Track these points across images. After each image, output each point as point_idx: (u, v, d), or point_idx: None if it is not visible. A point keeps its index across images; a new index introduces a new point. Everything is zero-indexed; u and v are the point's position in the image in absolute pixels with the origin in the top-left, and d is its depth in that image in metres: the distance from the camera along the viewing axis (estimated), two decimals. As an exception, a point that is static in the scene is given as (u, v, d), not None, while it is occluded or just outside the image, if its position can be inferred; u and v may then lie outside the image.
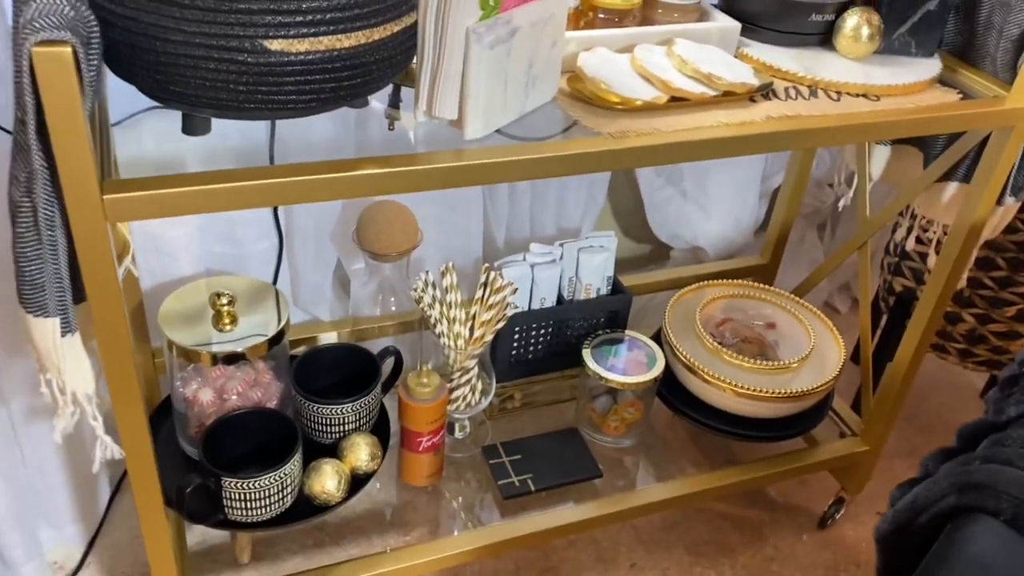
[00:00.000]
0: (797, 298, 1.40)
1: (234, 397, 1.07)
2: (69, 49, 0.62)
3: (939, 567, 0.65)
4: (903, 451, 1.55)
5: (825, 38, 1.05)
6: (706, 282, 1.41)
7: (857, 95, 0.99)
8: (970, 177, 1.13)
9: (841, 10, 1.03)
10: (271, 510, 1.02)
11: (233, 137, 0.90)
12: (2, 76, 0.91)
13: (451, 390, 1.20)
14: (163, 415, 1.14)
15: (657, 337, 1.34)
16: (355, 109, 0.86)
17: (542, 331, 1.33)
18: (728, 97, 0.94)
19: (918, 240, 1.36)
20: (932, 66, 1.05)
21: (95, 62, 0.67)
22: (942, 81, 1.05)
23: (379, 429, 1.16)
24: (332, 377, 1.15)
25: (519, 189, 1.42)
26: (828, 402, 1.34)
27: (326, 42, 0.69)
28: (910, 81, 1.01)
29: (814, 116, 0.94)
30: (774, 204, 1.57)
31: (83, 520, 1.27)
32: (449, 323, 1.17)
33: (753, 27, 1.04)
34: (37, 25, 0.62)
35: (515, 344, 1.32)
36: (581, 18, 1.00)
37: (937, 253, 1.18)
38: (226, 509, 1.01)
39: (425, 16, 0.76)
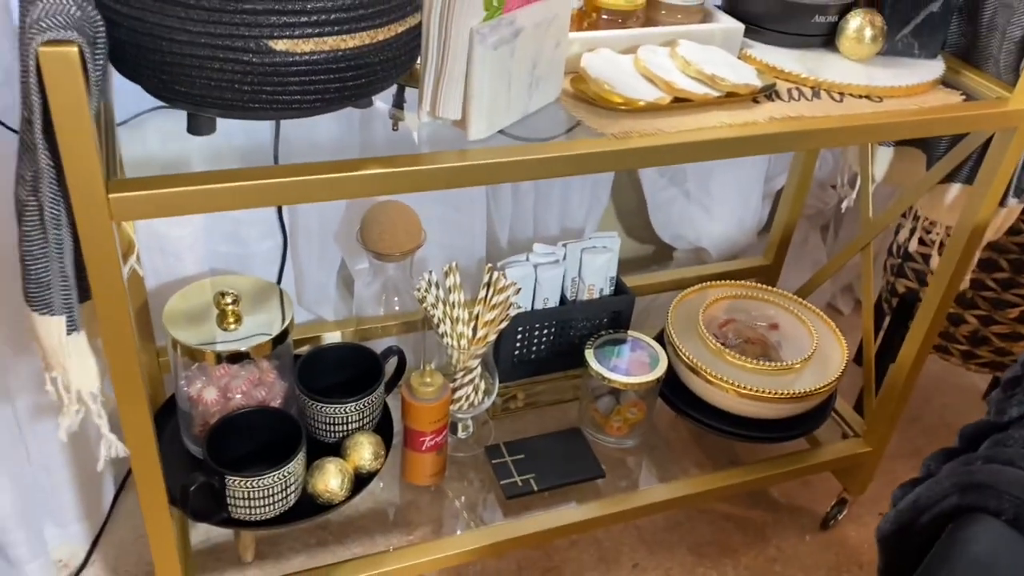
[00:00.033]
0: (800, 299, 1.40)
1: (238, 396, 1.07)
2: (75, 49, 0.62)
3: (940, 567, 0.65)
4: (906, 452, 1.55)
5: (828, 39, 1.05)
6: (709, 283, 1.41)
7: (860, 96, 0.99)
8: (973, 178, 1.13)
9: (844, 12, 1.03)
10: (275, 509, 1.02)
11: (238, 137, 0.91)
12: (8, 76, 0.91)
13: (454, 390, 1.20)
14: (167, 414, 1.15)
15: (660, 338, 1.34)
16: (359, 109, 0.86)
17: (545, 331, 1.33)
18: (731, 98, 0.94)
19: (921, 242, 1.36)
20: (935, 68, 1.05)
21: (101, 62, 0.68)
22: (945, 83, 1.05)
23: (382, 429, 1.17)
24: (336, 377, 1.16)
25: (522, 189, 1.42)
26: (831, 403, 1.34)
27: (331, 42, 0.70)
28: (913, 82, 1.01)
29: (817, 117, 0.94)
30: (777, 205, 1.57)
31: (87, 518, 1.27)
32: (452, 323, 1.17)
33: (756, 28, 1.04)
34: (44, 25, 0.62)
35: (518, 344, 1.33)
36: (584, 19, 1.00)
37: (940, 255, 1.18)
38: (230, 507, 1.01)
39: (429, 17, 0.77)
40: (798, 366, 1.27)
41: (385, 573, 1.10)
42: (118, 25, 0.68)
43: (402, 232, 1.19)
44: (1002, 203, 1.12)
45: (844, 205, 1.40)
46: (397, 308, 1.29)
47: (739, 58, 1.01)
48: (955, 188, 1.19)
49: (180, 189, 0.71)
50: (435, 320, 1.17)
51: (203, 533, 1.27)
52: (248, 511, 1.01)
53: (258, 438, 1.06)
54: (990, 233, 1.16)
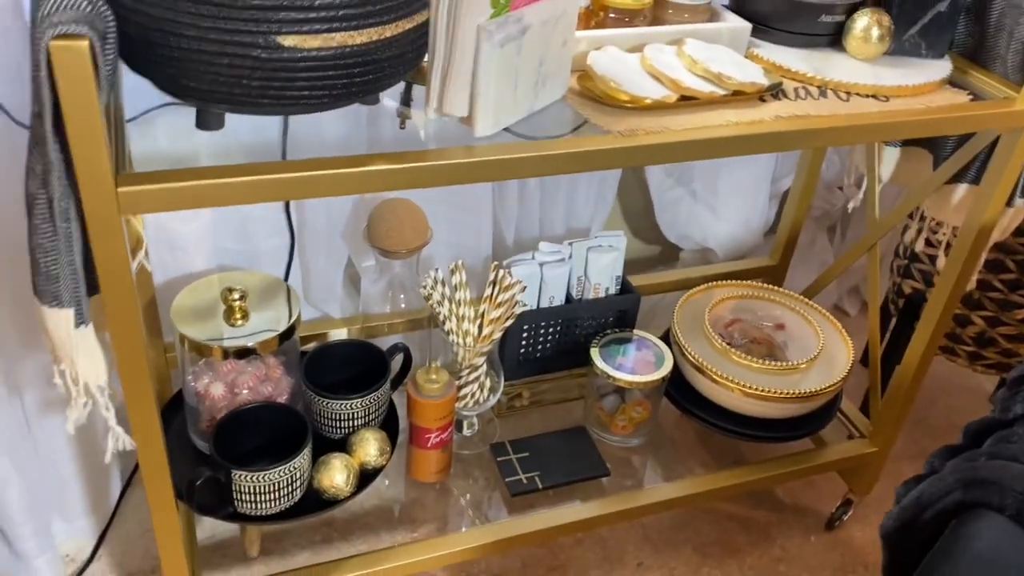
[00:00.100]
0: (806, 299, 1.40)
1: (245, 392, 1.08)
2: (86, 43, 0.63)
3: (943, 563, 0.65)
4: (911, 454, 1.55)
5: (835, 39, 1.05)
6: (715, 283, 1.42)
7: (867, 96, 0.99)
8: (980, 179, 1.13)
9: (851, 11, 1.03)
10: (280, 503, 1.03)
11: (246, 134, 0.91)
12: (19, 72, 0.92)
13: (459, 387, 1.21)
14: (175, 410, 1.15)
15: (666, 337, 1.35)
16: (367, 107, 0.86)
17: (551, 330, 1.34)
18: (738, 97, 0.94)
19: (927, 242, 1.36)
20: (942, 67, 1.05)
21: (111, 56, 0.68)
22: (952, 82, 1.05)
23: (388, 425, 1.17)
24: (342, 373, 1.16)
25: (529, 189, 1.42)
26: (836, 403, 1.34)
27: (338, 38, 0.70)
28: (920, 82, 1.01)
29: (823, 116, 0.94)
30: (784, 206, 1.57)
31: (94, 513, 1.28)
32: (458, 321, 1.17)
33: (763, 28, 1.04)
34: (55, 19, 0.63)
35: (524, 342, 1.33)
36: (592, 18, 1.00)
37: (946, 255, 1.18)
38: (236, 502, 1.02)
39: (437, 14, 0.77)
40: (804, 366, 1.27)
41: (390, 569, 1.10)
42: (128, 20, 0.69)
43: (409, 229, 1.19)
44: (1009, 203, 1.12)
45: (851, 206, 1.40)
46: (403, 306, 1.29)
47: (746, 57, 1.02)
48: (962, 188, 1.19)
49: (188, 183, 0.72)
50: (441, 318, 1.17)
51: (209, 529, 1.28)
52: (254, 506, 1.02)
53: (264, 434, 1.06)
54: (996, 233, 1.15)
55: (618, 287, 1.36)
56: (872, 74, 1.01)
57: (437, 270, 1.17)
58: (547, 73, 0.87)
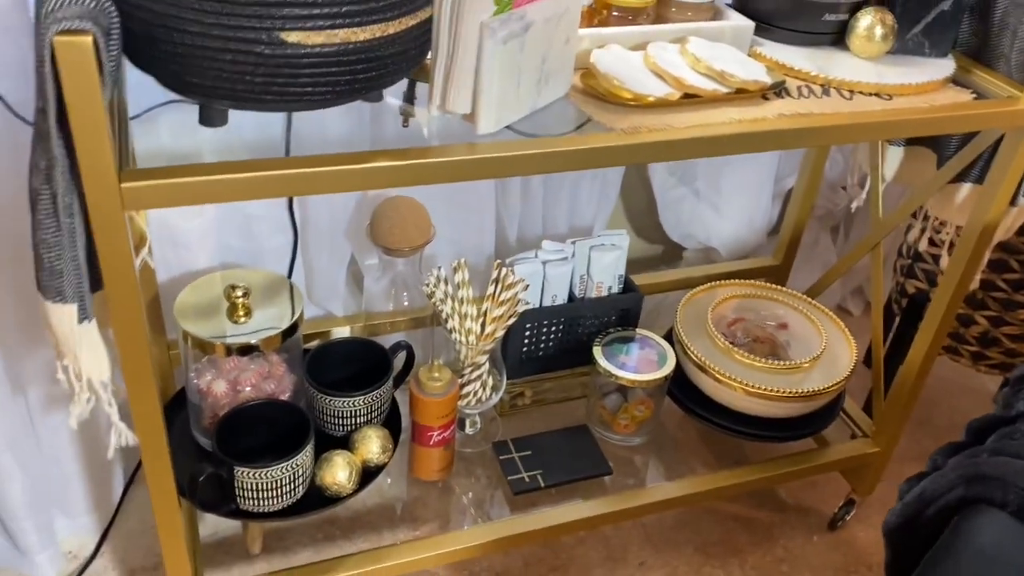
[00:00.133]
0: (809, 299, 1.40)
1: (248, 389, 1.08)
2: (90, 39, 0.63)
3: (945, 558, 0.65)
4: (914, 454, 1.55)
5: (838, 37, 1.05)
6: (718, 282, 1.41)
7: (870, 94, 0.99)
8: (983, 178, 1.13)
9: (855, 10, 1.03)
10: (282, 500, 1.03)
11: (249, 132, 0.92)
12: (23, 68, 0.92)
13: (462, 386, 1.21)
14: (177, 407, 1.16)
15: (669, 337, 1.35)
16: (370, 104, 0.87)
17: (553, 328, 1.34)
18: (741, 95, 0.94)
19: (931, 242, 1.36)
20: (946, 66, 1.05)
21: (115, 52, 0.68)
22: (956, 81, 1.05)
23: (391, 424, 1.17)
24: (344, 371, 1.16)
25: (532, 187, 1.42)
26: (839, 403, 1.34)
27: (342, 35, 0.70)
28: (923, 81, 1.01)
29: (826, 114, 0.94)
30: (787, 206, 1.57)
31: (97, 510, 1.28)
32: (461, 319, 1.18)
33: (767, 26, 1.04)
34: (59, 15, 0.63)
35: (526, 341, 1.33)
36: (595, 16, 1.01)
37: (950, 255, 1.17)
38: (238, 499, 1.02)
39: (440, 11, 0.77)
40: (807, 365, 1.27)
41: (392, 567, 1.10)
42: (132, 16, 0.69)
43: (412, 227, 1.19)
44: (1012, 203, 1.12)
45: (854, 205, 1.40)
46: (406, 304, 1.29)
47: (749, 56, 1.01)
48: (965, 188, 1.19)
49: (192, 179, 0.72)
50: (444, 316, 1.17)
51: (211, 526, 1.28)
52: (256, 502, 1.02)
53: (267, 431, 1.06)
54: (1000, 233, 1.15)
55: (621, 286, 1.37)
56: (875, 73, 1.01)
57: (440, 268, 1.17)
58: (550, 70, 0.87)
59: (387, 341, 1.20)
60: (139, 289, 0.76)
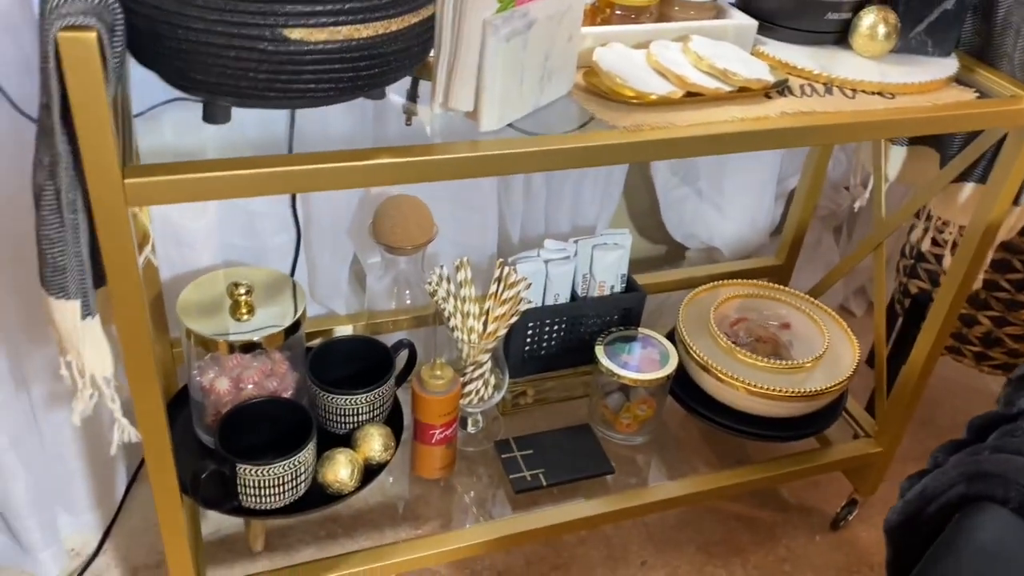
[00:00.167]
0: (812, 299, 1.40)
1: (250, 386, 1.08)
2: (94, 35, 0.63)
3: (946, 555, 0.65)
4: (917, 455, 1.55)
5: (841, 36, 1.05)
6: (721, 281, 1.41)
7: (872, 93, 0.99)
8: (986, 178, 1.13)
9: (857, 9, 1.03)
10: (285, 498, 1.03)
11: (253, 130, 0.92)
12: (28, 66, 0.92)
13: (464, 384, 1.21)
14: (180, 405, 1.16)
15: (671, 336, 1.34)
16: (373, 102, 0.87)
17: (555, 327, 1.34)
18: (743, 93, 0.94)
19: (934, 242, 1.36)
20: (949, 65, 1.05)
21: (119, 48, 0.69)
22: (959, 81, 1.05)
23: (393, 423, 1.17)
24: (347, 369, 1.16)
25: (534, 187, 1.42)
26: (842, 402, 1.34)
27: (344, 32, 0.70)
28: (926, 79, 1.01)
29: (829, 112, 0.94)
30: (790, 206, 1.57)
31: (100, 508, 1.28)
32: (463, 317, 1.18)
33: (769, 25, 1.04)
34: (63, 11, 0.63)
35: (528, 340, 1.33)
36: (598, 15, 1.01)
37: (953, 255, 1.17)
38: (240, 496, 1.02)
39: (443, 8, 0.77)
40: (809, 365, 1.27)
41: (393, 565, 1.11)
42: (136, 13, 0.69)
43: (414, 225, 1.19)
44: (1015, 202, 1.12)
45: (857, 205, 1.40)
46: (408, 302, 1.29)
47: (752, 55, 1.02)
48: (968, 187, 1.19)
49: (195, 175, 0.72)
50: (446, 314, 1.17)
51: (214, 524, 1.28)
52: (258, 500, 1.02)
53: (269, 428, 1.06)
54: (1003, 233, 1.15)
55: (623, 285, 1.37)
56: (878, 71, 1.01)
57: (442, 267, 1.17)
58: (553, 68, 0.87)
59: (389, 340, 1.20)
60: (142, 285, 0.76)
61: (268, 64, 0.70)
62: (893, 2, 1.03)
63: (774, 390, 1.22)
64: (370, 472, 1.09)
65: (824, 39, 1.05)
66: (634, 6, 0.99)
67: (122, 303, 0.76)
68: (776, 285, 1.43)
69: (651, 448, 1.37)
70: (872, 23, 1.01)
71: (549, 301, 1.32)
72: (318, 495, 1.06)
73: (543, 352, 1.36)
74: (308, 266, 1.33)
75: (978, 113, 1.00)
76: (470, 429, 1.32)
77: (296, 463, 1.01)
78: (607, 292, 1.35)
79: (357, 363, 1.17)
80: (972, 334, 1.43)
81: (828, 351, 1.30)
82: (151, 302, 1.13)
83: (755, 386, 1.22)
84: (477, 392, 1.23)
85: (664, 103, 0.90)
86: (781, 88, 0.97)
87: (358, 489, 1.07)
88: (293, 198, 1.24)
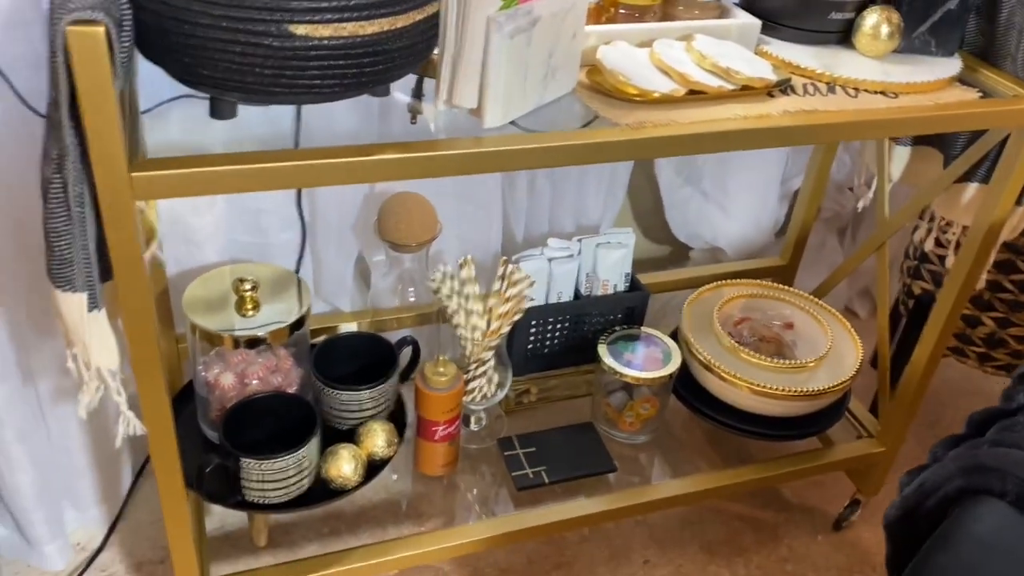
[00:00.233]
0: (815, 299, 1.40)
1: (255, 382, 1.09)
2: (102, 29, 0.64)
3: (943, 547, 0.65)
4: (920, 456, 1.52)
5: (844, 36, 1.05)
6: (724, 281, 1.42)
7: (875, 92, 0.99)
8: (989, 178, 1.13)
9: (861, 8, 1.03)
10: (288, 492, 1.04)
11: (259, 127, 0.93)
12: (37, 62, 0.93)
13: (467, 382, 1.21)
14: (185, 400, 1.16)
15: (675, 336, 1.35)
16: (379, 101, 0.87)
17: (559, 325, 1.34)
18: (746, 92, 0.94)
19: (937, 242, 1.36)
20: (952, 65, 1.05)
21: (127, 43, 0.69)
22: (962, 80, 1.05)
23: (396, 420, 1.18)
24: (351, 365, 1.17)
25: (538, 186, 1.43)
26: (845, 402, 1.34)
27: (349, 28, 0.71)
28: (929, 79, 1.01)
29: (831, 111, 0.94)
30: (794, 206, 1.57)
31: (105, 503, 1.29)
32: (466, 315, 1.18)
33: (773, 25, 1.04)
34: (72, 5, 0.64)
35: (531, 338, 1.33)
36: (603, 14, 1.01)
37: (957, 255, 1.17)
38: (244, 490, 1.02)
39: (447, 4, 0.78)
40: (812, 364, 1.27)
41: (396, 560, 1.11)
42: (143, 8, 0.70)
43: (418, 223, 1.20)
44: (1018, 202, 1.12)
45: (860, 205, 1.40)
46: (412, 300, 1.30)
47: (755, 54, 1.02)
48: (971, 188, 1.19)
49: (201, 169, 0.73)
50: (449, 311, 1.18)
51: (218, 520, 1.29)
52: (262, 494, 1.02)
53: (273, 423, 1.07)
54: (1006, 233, 1.15)
55: (627, 284, 1.37)
56: (881, 71, 1.01)
57: (446, 264, 1.18)
58: (556, 65, 0.88)
59: (393, 337, 1.21)
60: (148, 278, 0.77)
61: (273, 60, 0.70)
62: (896, 2, 1.03)
63: (777, 389, 1.22)
64: (373, 468, 1.10)
65: (827, 39, 1.05)
66: (638, 5, 0.99)
67: (128, 296, 0.77)
68: (780, 285, 1.43)
69: (654, 447, 1.37)
70: (875, 23, 1.01)
71: (552, 299, 1.32)
72: (322, 490, 1.07)
73: (546, 350, 1.36)
74: (313, 263, 1.34)
75: (981, 113, 1.01)
76: (473, 427, 1.33)
77: (300, 458, 1.02)
78: (610, 291, 1.35)
79: (361, 359, 1.18)
80: (976, 335, 1.43)
81: (831, 351, 1.30)
82: (157, 298, 1.14)
83: (758, 385, 1.22)
84: (480, 390, 1.23)
85: (667, 101, 0.91)
86: (784, 87, 0.97)
87: (361, 484, 1.07)
88: (299, 195, 1.25)
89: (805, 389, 1.23)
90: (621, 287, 1.36)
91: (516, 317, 1.19)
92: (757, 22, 1.03)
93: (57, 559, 1.23)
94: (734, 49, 0.98)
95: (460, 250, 1.37)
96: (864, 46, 1.03)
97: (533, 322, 1.31)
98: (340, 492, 1.07)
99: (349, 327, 1.32)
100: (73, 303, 0.77)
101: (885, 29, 1.01)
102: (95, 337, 0.79)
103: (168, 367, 1.21)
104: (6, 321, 1.05)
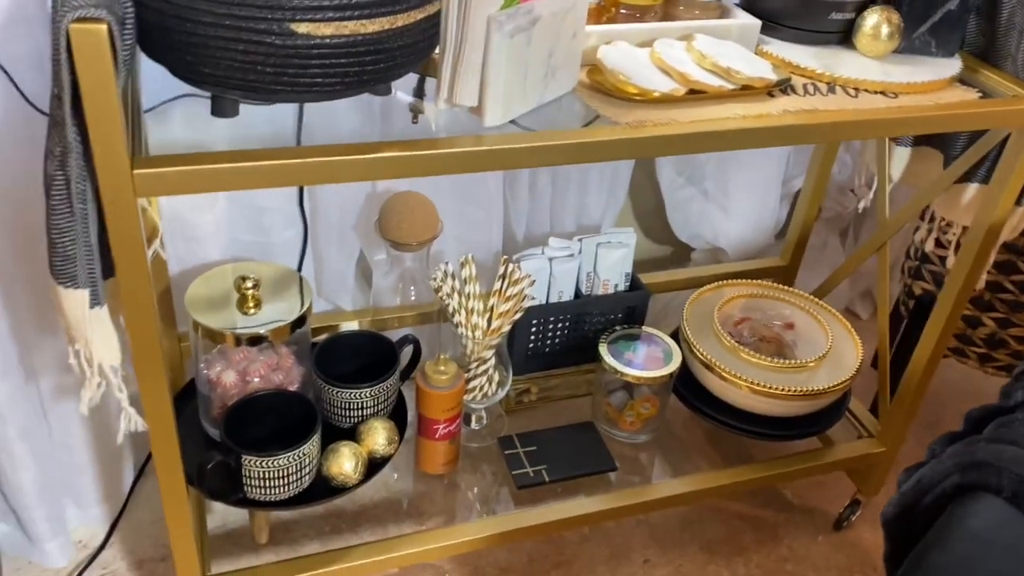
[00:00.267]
0: (816, 299, 1.40)
1: (256, 380, 1.09)
2: (105, 26, 0.64)
3: (939, 542, 0.65)
4: (921, 456, 1.53)
5: (845, 36, 1.05)
6: (725, 281, 1.42)
7: (875, 92, 1.00)
8: (990, 179, 1.13)
9: (861, 9, 1.03)
10: (289, 489, 1.04)
11: (261, 126, 0.93)
12: (40, 60, 0.94)
13: (468, 380, 1.22)
14: (187, 398, 1.17)
15: (675, 336, 1.35)
16: (380, 100, 0.88)
17: (559, 325, 1.34)
18: (746, 91, 0.95)
19: (938, 243, 1.36)
20: (952, 65, 1.05)
21: (129, 41, 0.70)
22: (962, 81, 1.05)
23: (397, 418, 1.18)
24: (352, 364, 1.17)
25: (540, 185, 1.43)
26: (845, 402, 1.34)
27: (351, 26, 0.72)
28: (929, 79, 1.01)
29: (831, 111, 0.95)
30: (795, 207, 1.57)
31: (107, 501, 1.29)
32: (467, 314, 1.18)
33: (773, 25, 1.05)
34: (75, 3, 0.64)
35: (532, 337, 1.34)
36: (603, 14, 1.02)
37: (956, 255, 1.18)
38: (246, 487, 1.03)
39: (448, 4, 0.78)
40: (812, 364, 1.27)
41: (396, 558, 1.11)
42: (145, 6, 0.70)
43: (420, 222, 1.20)
44: (1018, 203, 1.12)
45: (861, 205, 1.40)
46: (413, 298, 1.30)
47: (755, 54, 1.02)
48: (972, 188, 1.19)
49: (203, 167, 0.73)
50: (450, 310, 1.18)
51: (219, 518, 1.29)
52: (263, 491, 1.03)
53: (275, 421, 1.07)
54: (1006, 233, 1.15)
55: (627, 284, 1.37)
56: (881, 71, 1.01)
57: (447, 263, 1.18)
58: (556, 65, 0.88)
59: (394, 335, 1.21)
60: (150, 275, 0.77)
61: (275, 58, 0.71)
62: (897, 2, 1.04)
63: (777, 389, 1.22)
64: (374, 465, 1.10)
65: (828, 39, 1.06)
66: (639, 5, 1.00)
67: (130, 292, 0.77)
68: (780, 285, 1.43)
69: (654, 446, 1.37)
70: (875, 23, 1.02)
71: (553, 299, 1.33)
72: (322, 487, 1.07)
73: (547, 349, 1.37)
74: (315, 262, 1.34)
75: (981, 113, 1.01)
76: (474, 425, 1.33)
77: (301, 455, 1.02)
78: (611, 290, 1.36)
79: (362, 358, 1.18)
80: (976, 336, 1.43)
81: (832, 351, 1.30)
82: (159, 295, 1.15)
83: (758, 385, 1.22)
84: (481, 388, 1.24)
85: (667, 100, 0.91)
86: (784, 86, 0.98)
87: (362, 482, 1.08)
88: (300, 194, 1.25)
89: (805, 389, 1.23)
90: (622, 287, 1.37)
91: (517, 316, 1.19)
92: (757, 22, 1.03)
93: (59, 556, 1.23)
94: (734, 49, 0.98)
95: (461, 250, 1.37)
96: (864, 46, 1.03)
97: (534, 321, 1.31)
98: (341, 490, 1.07)
99: (350, 325, 1.33)
100: (75, 300, 0.77)
101: (885, 29, 1.01)
102: (97, 334, 0.80)
103: (170, 365, 1.21)
104: (8, 318, 1.06)
